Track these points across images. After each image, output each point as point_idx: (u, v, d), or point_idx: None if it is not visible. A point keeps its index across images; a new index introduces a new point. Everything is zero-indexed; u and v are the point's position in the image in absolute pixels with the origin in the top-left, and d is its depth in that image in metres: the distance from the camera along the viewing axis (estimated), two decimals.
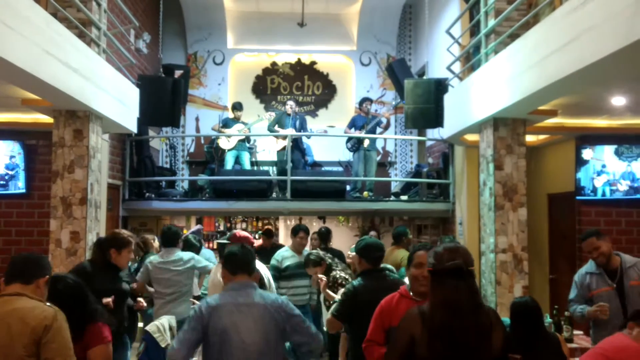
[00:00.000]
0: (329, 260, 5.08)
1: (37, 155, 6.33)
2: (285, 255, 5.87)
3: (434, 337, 2.26)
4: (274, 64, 11.05)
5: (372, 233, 7.53)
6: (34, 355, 2.46)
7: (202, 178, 8.94)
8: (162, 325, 4.53)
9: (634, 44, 3.15)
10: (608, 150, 6.40)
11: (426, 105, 7.16)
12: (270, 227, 11.01)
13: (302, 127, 8.98)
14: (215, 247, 9.88)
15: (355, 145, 8.60)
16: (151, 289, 5.26)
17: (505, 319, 3.47)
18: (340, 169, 9.76)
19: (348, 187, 8.65)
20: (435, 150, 9.33)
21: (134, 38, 8.37)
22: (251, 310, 2.82)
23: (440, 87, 7.17)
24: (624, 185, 6.41)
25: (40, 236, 6.08)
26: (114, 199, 7.42)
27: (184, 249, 5.51)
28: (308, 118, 10.64)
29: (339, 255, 6.00)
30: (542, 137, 6.88)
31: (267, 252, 6.57)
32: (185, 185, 10.05)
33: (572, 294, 4.26)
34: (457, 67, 6.99)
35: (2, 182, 6.27)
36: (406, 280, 4.09)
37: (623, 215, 6.49)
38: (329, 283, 4.72)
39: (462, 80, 6.71)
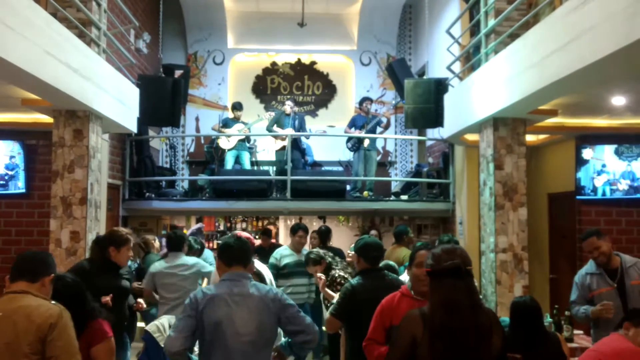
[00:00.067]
0: (329, 259, 5.08)
1: (37, 155, 6.33)
2: (283, 254, 5.87)
3: (435, 338, 2.27)
4: (274, 64, 11.05)
5: (373, 232, 7.52)
6: (38, 353, 2.46)
7: (202, 178, 8.95)
8: (162, 325, 4.52)
9: (633, 44, 3.15)
10: (608, 150, 6.40)
11: (426, 105, 7.16)
12: (272, 227, 11.05)
13: (301, 127, 8.98)
14: (216, 247, 9.88)
15: (356, 145, 8.60)
16: (156, 296, 5.25)
17: (505, 319, 3.48)
18: (340, 168, 9.76)
19: (348, 187, 8.65)
20: (436, 150, 9.33)
21: (134, 38, 8.37)
22: (246, 300, 2.82)
23: (440, 87, 7.17)
24: (624, 185, 6.41)
25: (40, 236, 6.08)
26: (114, 198, 7.43)
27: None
28: (308, 118, 10.64)
29: (338, 253, 6.00)
30: (542, 136, 6.88)
31: (265, 251, 6.58)
32: (185, 185, 10.06)
33: (573, 295, 4.25)
34: (457, 67, 6.99)
35: (2, 182, 6.27)
36: (402, 278, 4.11)
37: (623, 214, 6.49)
38: (327, 282, 4.71)
39: (462, 80, 6.71)
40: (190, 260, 5.26)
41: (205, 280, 5.66)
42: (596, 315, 3.98)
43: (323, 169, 9.82)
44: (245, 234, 4.51)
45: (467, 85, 6.21)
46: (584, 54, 3.67)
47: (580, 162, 6.41)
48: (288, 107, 8.93)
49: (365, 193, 8.46)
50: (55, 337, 2.47)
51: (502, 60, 5.17)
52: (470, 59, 6.37)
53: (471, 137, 6.80)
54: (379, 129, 8.80)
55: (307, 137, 9.36)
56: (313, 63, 11.07)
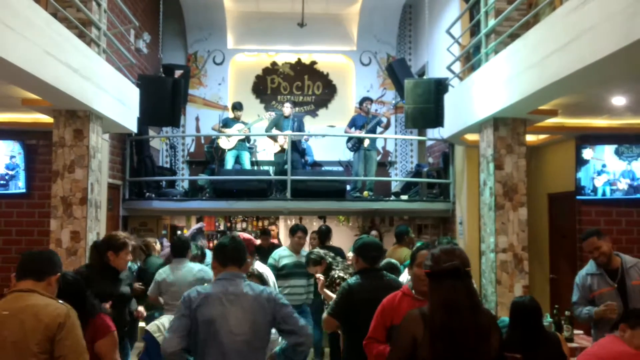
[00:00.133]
0: (330, 260, 5.08)
1: (37, 155, 6.33)
2: (282, 255, 5.86)
3: (436, 338, 2.27)
4: (274, 64, 11.05)
5: (374, 233, 7.53)
6: (47, 352, 2.47)
7: (202, 178, 8.95)
8: (162, 325, 4.53)
9: (633, 44, 3.15)
10: (608, 150, 6.40)
11: (426, 105, 7.16)
12: (274, 228, 11.05)
13: (300, 129, 8.98)
14: None
15: (356, 145, 8.61)
16: (161, 300, 5.23)
17: (505, 319, 3.48)
18: (340, 168, 9.76)
19: (348, 187, 8.65)
20: (436, 150, 9.34)
21: (134, 38, 8.37)
22: (240, 300, 2.82)
23: (440, 87, 7.17)
24: (624, 185, 6.41)
25: (41, 236, 6.08)
26: (114, 198, 7.43)
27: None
28: (308, 118, 10.65)
29: (339, 252, 6.00)
30: (542, 136, 6.88)
31: (265, 251, 6.58)
32: (186, 185, 10.06)
33: (575, 296, 4.24)
34: (457, 67, 6.99)
35: (2, 182, 6.27)
36: (401, 278, 4.11)
37: (623, 214, 6.49)
38: (326, 282, 4.70)
39: (462, 80, 6.71)
40: (195, 267, 5.22)
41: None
42: (600, 315, 3.97)
43: (323, 169, 9.83)
44: (246, 235, 4.53)
45: (467, 85, 6.21)
46: (584, 54, 3.67)
47: (581, 162, 6.41)
48: (287, 109, 8.94)
49: (366, 193, 8.46)
50: (63, 336, 2.48)
51: (502, 60, 5.17)
52: (470, 59, 6.37)
53: (471, 137, 6.80)
54: (379, 129, 8.80)
55: (307, 139, 9.36)
56: (313, 63, 11.07)
